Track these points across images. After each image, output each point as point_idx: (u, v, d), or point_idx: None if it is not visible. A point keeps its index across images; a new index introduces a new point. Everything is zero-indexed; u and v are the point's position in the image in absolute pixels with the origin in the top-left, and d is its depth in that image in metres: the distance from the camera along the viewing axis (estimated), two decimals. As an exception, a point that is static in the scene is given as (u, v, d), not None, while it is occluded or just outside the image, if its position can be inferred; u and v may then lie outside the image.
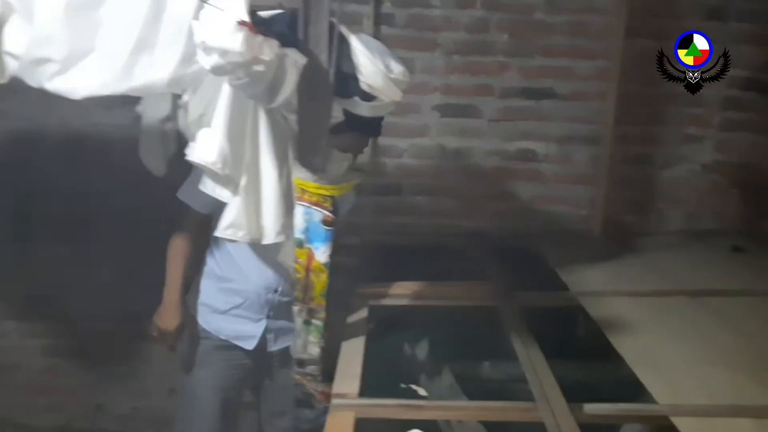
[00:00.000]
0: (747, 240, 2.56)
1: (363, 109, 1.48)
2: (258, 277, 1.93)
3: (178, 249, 1.95)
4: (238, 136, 1.47)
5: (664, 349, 1.70)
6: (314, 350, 1.62)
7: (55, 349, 2.83)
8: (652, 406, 1.43)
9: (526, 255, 2.49)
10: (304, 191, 1.52)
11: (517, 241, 2.64)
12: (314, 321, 1.61)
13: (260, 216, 1.56)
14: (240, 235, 1.53)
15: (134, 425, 2.83)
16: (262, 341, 1.98)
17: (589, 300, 2.01)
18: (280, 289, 1.93)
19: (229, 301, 1.97)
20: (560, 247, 2.52)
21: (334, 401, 1.43)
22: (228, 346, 1.99)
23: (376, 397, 1.46)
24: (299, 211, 1.53)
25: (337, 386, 1.49)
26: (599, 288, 2.11)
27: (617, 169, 2.65)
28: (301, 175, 1.50)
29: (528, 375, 1.55)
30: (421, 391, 1.62)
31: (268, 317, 1.97)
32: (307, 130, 1.48)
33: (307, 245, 1.55)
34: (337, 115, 1.61)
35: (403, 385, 1.63)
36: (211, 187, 1.65)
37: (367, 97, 1.43)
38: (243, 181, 1.51)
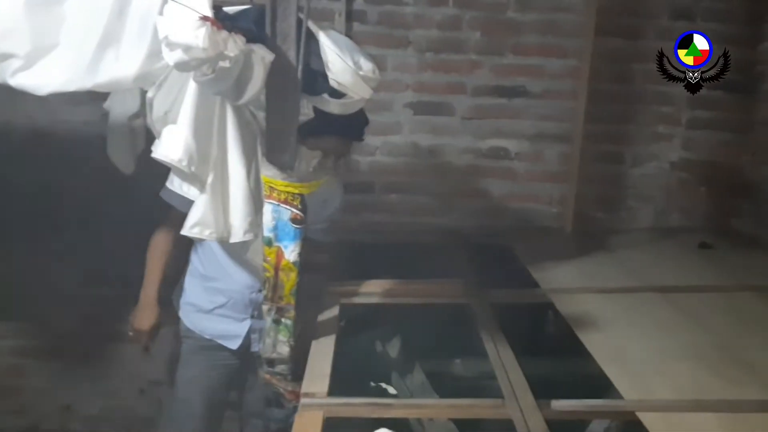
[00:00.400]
0: (714, 237, 2.60)
1: (332, 106, 1.47)
2: (241, 276, 1.92)
3: (158, 248, 1.92)
4: (205, 133, 1.45)
5: (632, 346, 1.72)
6: (284, 349, 1.61)
7: (22, 349, 2.78)
8: (619, 401, 1.45)
9: (498, 252, 2.50)
10: (272, 189, 1.50)
11: (489, 239, 2.65)
12: (284, 320, 1.59)
13: (228, 214, 1.54)
14: (207, 233, 1.51)
15: (104, 426, 2.80)
16: (247, 341, 1.97)
17: (559, 297, 2.02)
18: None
19: (214, 301, 1.95)
20: (532, 245, 2.54)
21: (303, 401, 1.41)
22: (213, 346, 1.98)
23: (346, 396, 1.45)
24: (267, 209, 1.51)
25: (306, 385, 1.48)
26: (570, 285, 2.12)
27: (588, 167, 2.68)
28: (269, 173, 1.48)
29: (497, 372, 1.55)
30: (391, 390, 1.62)
31: (252, 317, 1.96)
32: (275, 127, 1.47)
33: (276, 244, 1.54)
34: (306, 113, 1.61)
35: (372, 384, 1.63)
36: (178, 185, 1.64)
37: (336, 94, 1.41)
38: (210, 179, 1.49)
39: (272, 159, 1.47)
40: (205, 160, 1.48)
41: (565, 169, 2.70)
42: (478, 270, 2.22)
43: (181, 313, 1.99)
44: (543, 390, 1.46)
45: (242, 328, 1.96)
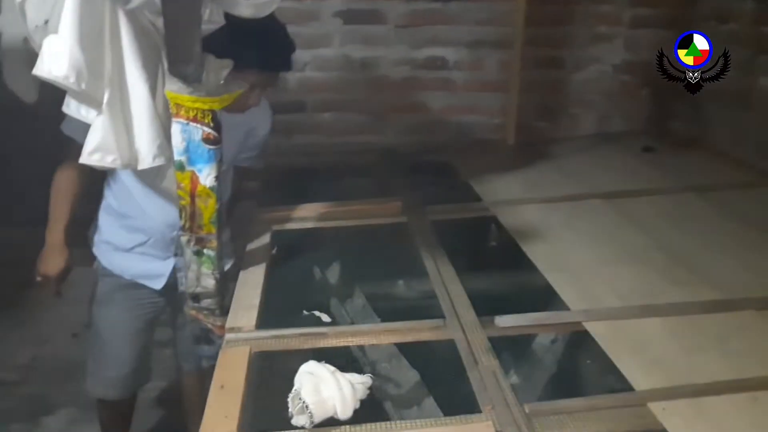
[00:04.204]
0: (655, 140, 2.56)
1: (242, 9, 1.30)
2: (159, 214, 1.72)
3: (62, 185, 1.70)
4: (94, 44, 1.27)
5: (577, 254, 1.67)
6: (209, 282, 1.47)
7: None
8: (565, 313, 1.39)
9: (438, 168, 2.41)
10: (179, 106, 1.32)
11: (429, 155, 2.55)
12: (206, 251, 1.45)
13: (132, 137, 1.37)
14: (110, 159, 1.34)
15: (35, 375, 2.65)
16: (173, 279, 1.81)
17: (502, 209, 1.95)
18: None
19: (133, 239, 1.77)
20: (473, 158, 2.45)
21: (227, 336, 1.30)
22: (135, 285, 1.81)
23: (278, 328, 1.34)
24: (176, 130, 1.34)
25: (231, 320, 1.36)
26: (513, 197, 2.05)
27: (529, 74, 2.56)
28: (174, 87, 1.30)
29: (437, 291, 1.47)
30: (325, 318, 1.52)
31: (176, 255, 1.79)
32: (175, 34, 1.29)
33: (189, 168, 1.37)
34: (216, 20, 1.43)
35: (306, 312, 1.53)
36: (75, 108, 1.45)
37: (246, -7, 1.24)
38: (106, 97, 1.31)
39: (175, 71, 1.30)
40: (98, 76, 1.30)
41: (506, 78, 2.57)
42: (417, 188, 2.12)
43: (97, 252, 1.82)
44: (488, 306, 1.39)
45: (166, 266, 1.80)
